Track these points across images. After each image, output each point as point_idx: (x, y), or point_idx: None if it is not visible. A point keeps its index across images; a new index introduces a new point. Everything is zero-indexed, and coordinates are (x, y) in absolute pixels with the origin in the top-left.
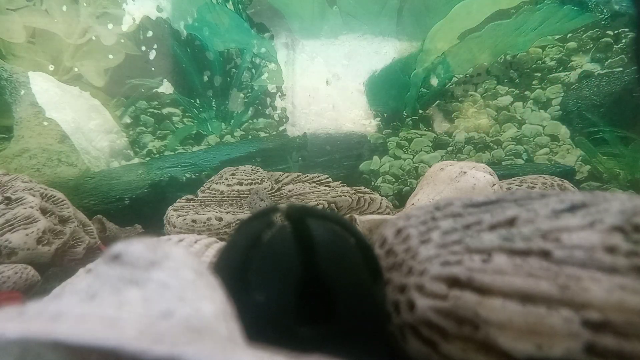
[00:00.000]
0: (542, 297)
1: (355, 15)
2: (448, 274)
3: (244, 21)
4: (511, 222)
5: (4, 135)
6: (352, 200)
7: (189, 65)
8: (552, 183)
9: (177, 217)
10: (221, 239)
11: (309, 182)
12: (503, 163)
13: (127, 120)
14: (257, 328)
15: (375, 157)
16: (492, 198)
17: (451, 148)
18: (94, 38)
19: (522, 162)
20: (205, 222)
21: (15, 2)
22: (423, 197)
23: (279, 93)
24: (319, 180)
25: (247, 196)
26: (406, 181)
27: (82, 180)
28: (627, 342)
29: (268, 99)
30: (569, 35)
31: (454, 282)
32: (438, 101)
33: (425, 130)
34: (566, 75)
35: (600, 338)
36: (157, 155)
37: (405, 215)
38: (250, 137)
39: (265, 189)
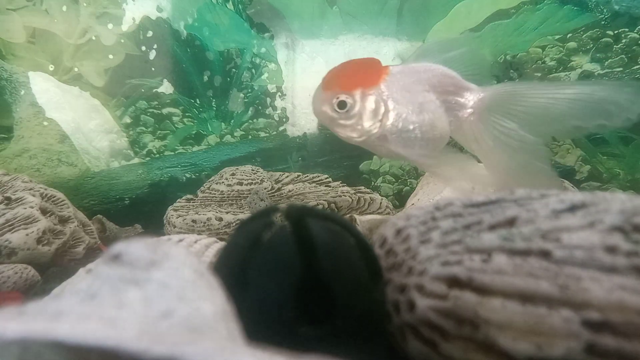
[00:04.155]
0: (542, 297)
1: (355, 15)
2: (448, 274)
3: (244, 21)
4: (511, 222)
5: (4, 135)
6: (352, 200)
7: (189, 65)
8: None
9: (177, 217)
10: (221, 239)
11: (309, 182)
12: None
13: (127, 120)
14: (257, 328)
15: (375, 157)
16: (492, 198)
17: None
18: (94, 38)
19: None
20: (205, 222)
21: (15, 2)
22: (423, 197)
23: (279, 93)
24: (319, 180)
25: (247, 196)
26: (406, 181)
27: (82, 180)
28: (627, 342)
29: (268, 99)
30: (569, 35)
31: (454, 282)
32: None
33: None
34: (566, 75)
35: (600, 338)
36: (157, 155)
37: (405, 215)
38: (250, 137)
39: (265, 189)
